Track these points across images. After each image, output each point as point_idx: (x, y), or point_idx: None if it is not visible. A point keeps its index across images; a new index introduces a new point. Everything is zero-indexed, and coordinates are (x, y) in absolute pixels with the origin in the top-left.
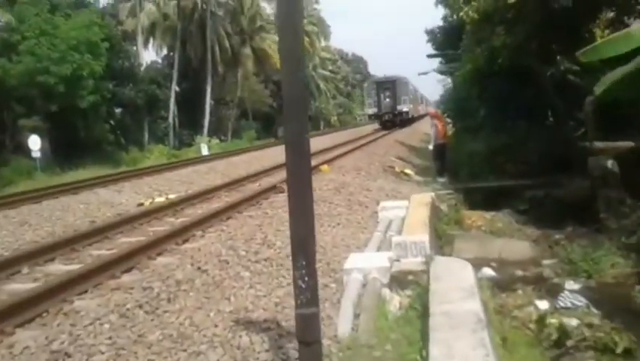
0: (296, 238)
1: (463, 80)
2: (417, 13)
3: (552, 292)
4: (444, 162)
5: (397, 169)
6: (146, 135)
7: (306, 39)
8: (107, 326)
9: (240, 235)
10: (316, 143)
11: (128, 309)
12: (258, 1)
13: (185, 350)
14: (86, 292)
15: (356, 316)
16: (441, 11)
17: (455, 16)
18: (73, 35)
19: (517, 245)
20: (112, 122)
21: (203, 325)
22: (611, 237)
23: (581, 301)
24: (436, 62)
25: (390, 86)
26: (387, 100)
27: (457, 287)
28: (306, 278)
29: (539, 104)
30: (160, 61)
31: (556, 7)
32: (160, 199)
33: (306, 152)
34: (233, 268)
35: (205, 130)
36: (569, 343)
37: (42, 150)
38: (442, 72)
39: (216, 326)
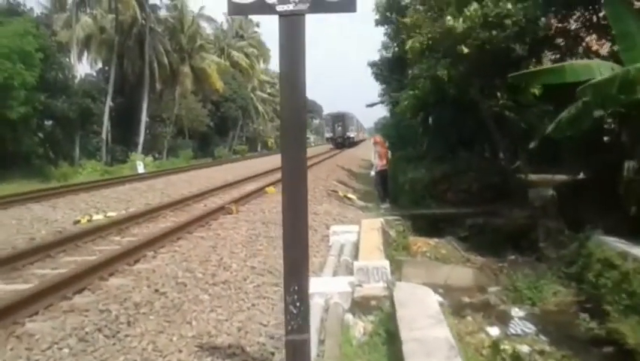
0: (289, 262)
1: (405, 109)
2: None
3: (500, 318)
4: (386, 188)
5: (341, 194)
6: (77, 150)
7: (246, 61)
8: (66, 350)
9: (194, 257)
10: (259, 164)
11: (87, 333)
12: (198, 21)
13: None
14: (36, 313)
15: (321, 341)
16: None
17: (397, 48)
18: (5, 43)
19: (463, 272)
20: (41, 135)
21: (167, 350)
22: (550, 266)
23: (530, 328)
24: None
25: (341, 118)
26: (339, 128)
27: (424, 314)
28: (298, 304)
29: (480, 135)
30: (94, 74)
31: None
32: (98, 217)
33: (303, 178)
34: (192, 290)
35: (140, 147)
36: None
37: None
38: (387, 103)
39: (180, 351)
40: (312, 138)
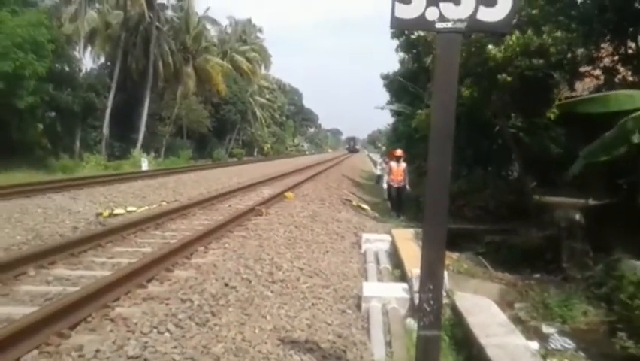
0: (426, 262)
1: (423, 124)
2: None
3: (536, 334)
4: (401, 202)
5: (354, 203)
6: (78, 143)
7: (248, 65)
8: (167, 335)
9: (247, 255)
10: (261, 169)
11: (180, 319)
12: (203, 22)
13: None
14: (119, 298)
15: (387, 343)
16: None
17: (414, 63)
18: (18, 33)
19: (490, 287)
20: (41, 125)
21: (254, 341)
22: (577, 286)
23: (569, 344)
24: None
25: (352, 139)
26: (352, 143)
27: (494, 322)
28: (432, 302)
29: (494, 154)
30: (97, 69)
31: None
32: (119, 211)
33: (446, 183)
34: (257, 286)
35: (139, 144)
36: None
37: None
38: (397, 111)
39: (265, 343)
40: (306, 146)
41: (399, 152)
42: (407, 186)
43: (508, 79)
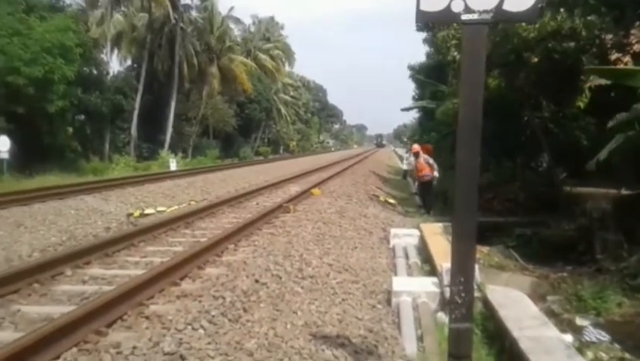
0: (457, 256)
1: (446, 116)
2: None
3: (570, 326)
4: (430, 196)
5: (382, 198)
6: (107, 145)
7: (272, 63)
8: (201, 331)
9: (277, 252)
10: (287, 166)
11: (213, 316)
12: (227, 22)
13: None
14: (153, 297)
15: (419, 338)
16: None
17: (438, 55)
18: (47, 38)
19: (521, 280)
20: (70, 129)
21: (286, 336)
22: (611, 277)
23: (604, 336)
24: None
25: (380, 136)
26: (379, 139)
27: (526, 315)
28: (463, 294)
29: (523, 146)
30: (124, 71)
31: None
32: (149, 211)
33: (475, 176)
34: (287, 283)
35: (166, 145)
36: None
37: (10, 151)
38: (423, 108)
39: (297, 338)
40: (331, 142)
41: (415, 147)
42: (434, 180)
43: (535, 59)
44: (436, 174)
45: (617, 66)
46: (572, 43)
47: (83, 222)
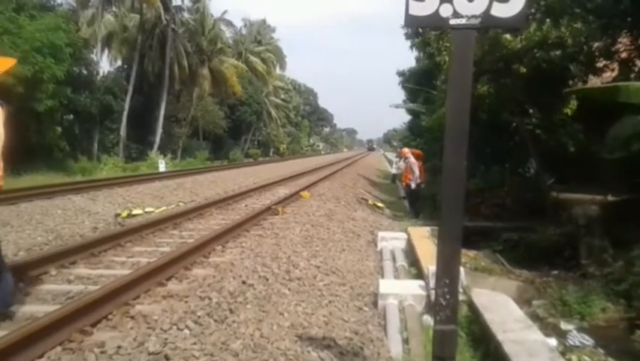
0: (442, 258)
1: (436, 122)
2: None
3: (554, 330)
4: (418, 200)
5: (370, 202)
6: (96, 145)
7: (263, 66)
8: (187, 331)
9: (264, 253)
10: (276, 169)
11: (199, 316)
12: (219, 24)
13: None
14: (138, 297)
15: (404, 340)
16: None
17: (428, 60)
18: (37, 37)
19: (507, 284)
20: (59, 128)
21: (272, 337)
22: (596, 283)
23: (588, 340)
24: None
25: (371, 141)
26: (371, 144)
27: (511, 318)
28: (448, 296)
29: (511, 151)
30: (114, 71)
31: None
32: (137, 211)
33: (462, 180)
34: (274, 285)
35: (156, 146)
36: None
37: None
38: (412, 110)
39: (283, 339)
40: (321, 146)
41: (404, 151)
42: (412, 184)
43: (523, 69)
44: (412, 178)
45: (602, 75)
46: (559, 52)
47: (70, 221)
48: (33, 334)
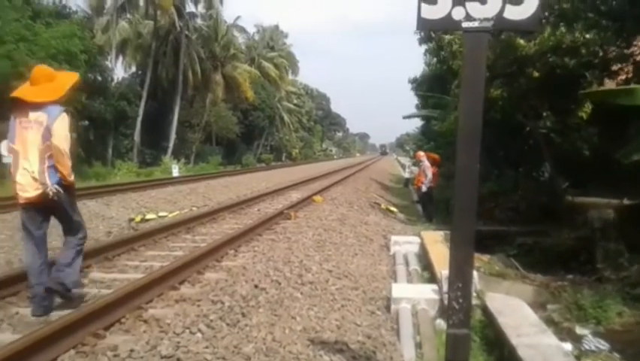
0: (455, 262)
1: (449, 127)
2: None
3: (569, 335)
4: (431, 205)
5: (383, 206)
6: (110, 151)
7: (275, 71)
8: (199, 335)
9: (276, 258)
10: (289, 174)
11: (211, 320)
12: (232, 30)
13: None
14: (152, 300)
15: (417, 344)
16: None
17: (440, 65)
18: (53, 44)
19: (522, 288)
20: (75, 134)
21: (284, 341)
22: (612, 287)
23: (604, 345)
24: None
25: (384, 145)
26: (384, 148)
27: (525, 323)
28: (461, 300)
29: (525, 155)
30: (128, 78)
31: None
32: (151, 216)
33: (475, 184)
34: (286, 288)
35: (169, 151)
36: None
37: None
38: (426, 117)
39: (295, 343)
40: (334, 150)
41: (419, 154)
42: (424, 187)
43: (536, 74)
44: (424, 182)
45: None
46: (573, 61)
47: (86, 226)
48: (47, 337)
